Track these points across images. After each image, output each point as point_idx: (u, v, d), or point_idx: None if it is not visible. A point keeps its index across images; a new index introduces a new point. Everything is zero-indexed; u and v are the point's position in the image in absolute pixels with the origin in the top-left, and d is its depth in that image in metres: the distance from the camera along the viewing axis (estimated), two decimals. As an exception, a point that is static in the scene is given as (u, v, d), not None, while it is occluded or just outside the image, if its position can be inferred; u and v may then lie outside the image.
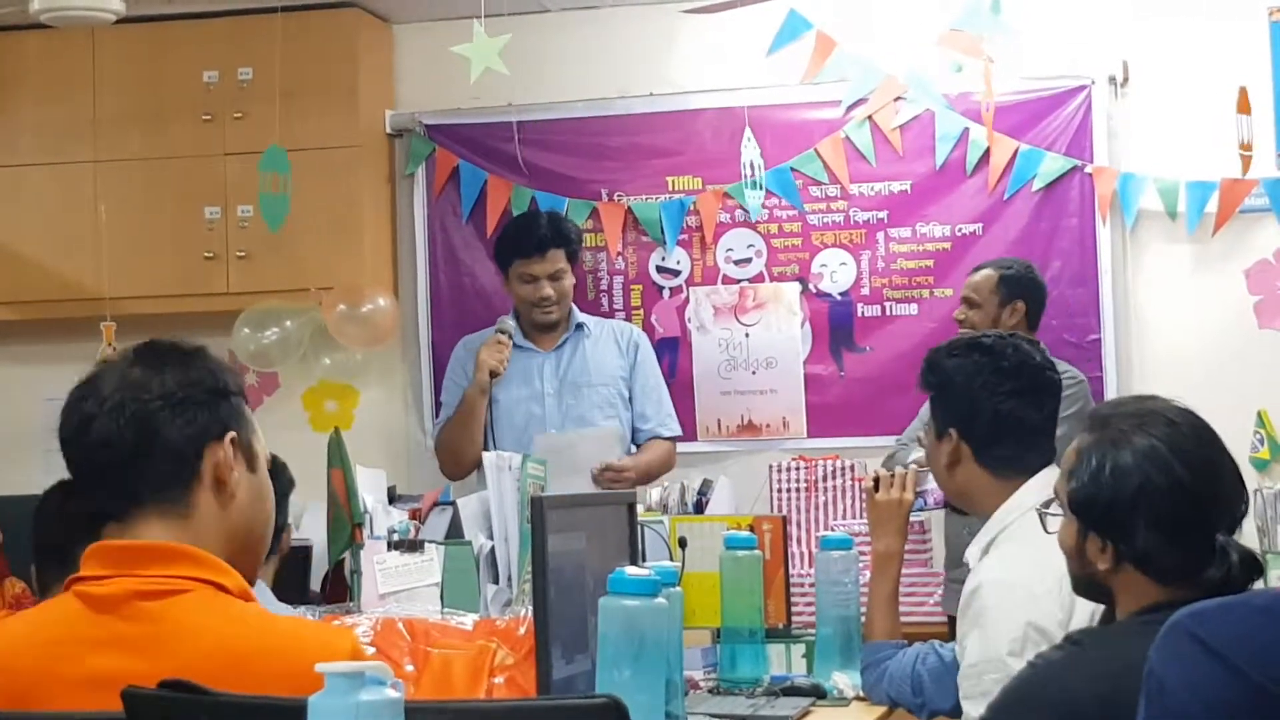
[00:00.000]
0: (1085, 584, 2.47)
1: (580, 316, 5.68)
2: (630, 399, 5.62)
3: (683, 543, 3.87)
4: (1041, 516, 2.59)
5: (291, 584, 4.57)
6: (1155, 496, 2.35)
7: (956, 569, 5.25)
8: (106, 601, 2.08)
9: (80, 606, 2.10)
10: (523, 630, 2.98)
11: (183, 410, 2.15)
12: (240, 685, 1.93)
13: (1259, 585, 2.36)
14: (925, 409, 5.39)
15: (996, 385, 3.18)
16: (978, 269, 5.44)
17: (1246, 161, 5.68)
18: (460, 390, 5.54)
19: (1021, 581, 2.93)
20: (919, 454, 5.02)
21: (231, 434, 2.19)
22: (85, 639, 2.07)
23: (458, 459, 5.45)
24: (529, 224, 5.71)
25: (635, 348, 5.67)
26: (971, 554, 3.16)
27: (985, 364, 3.20)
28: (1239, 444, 5.52)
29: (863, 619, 3.59)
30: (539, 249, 5.50)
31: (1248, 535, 2.48)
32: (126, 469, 2.14)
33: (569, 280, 5.58)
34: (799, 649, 3.77)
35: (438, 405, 6.16)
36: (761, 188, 6.07)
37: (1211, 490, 2.37)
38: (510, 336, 5.45)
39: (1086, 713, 2.27)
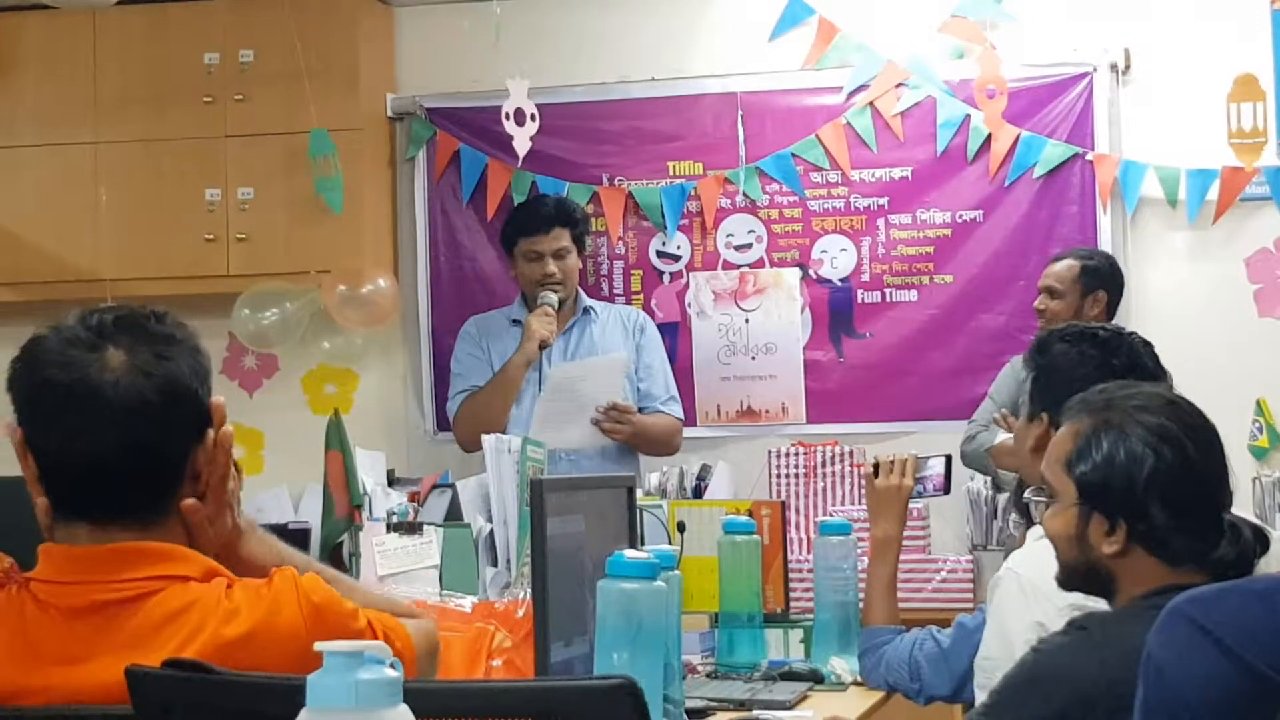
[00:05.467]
0: (1083, 572, 2.45)
1: (587, 301, 5.69)
2: (636, 384, 5.62)
3: (681, 527, 3.88)
4: (1030, 504, 2.57)
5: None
6: (1169, 476, 2.35)
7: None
8: (74, 612, 2.00)
9: (47, 616, 2.01)
10: (521, 613, 2.98)
11: (174, 426, 2.04)
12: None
13: (1261, 562, 2.36)
14: (995, 388, 5.35)
15: (1099, 383, 3.09)
16: (1057, 258, 5.40)
17: (1249, 149, 5.68)
18: (476, 363, 5.53)
19: (1041, 582, 2.88)
20: (1004, 437, 4.94)
21: (210, 430, 2.08)
22: (57, 654, 1.99)
23: (484, 430, 5.36)
24: (534, 203, 5.82)
25: (641, 332, 5.68)
26: (1030, 536, 3.10)
27: (1094, 358, 3.06)
28: (1238, 432, 5.57)
29: (861, 604, 3.60)
30: (544, 226, 5.53)
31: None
32: (115, 494, 2.04)
33: (573, 261, 5.58)
34: (797, 634, 3.77)
35: (438, 387, 6.16)
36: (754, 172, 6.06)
37: (1216, 467, 2.39)
38: (556, 309, 5.45)
39: (1093, 697, 2.27)
